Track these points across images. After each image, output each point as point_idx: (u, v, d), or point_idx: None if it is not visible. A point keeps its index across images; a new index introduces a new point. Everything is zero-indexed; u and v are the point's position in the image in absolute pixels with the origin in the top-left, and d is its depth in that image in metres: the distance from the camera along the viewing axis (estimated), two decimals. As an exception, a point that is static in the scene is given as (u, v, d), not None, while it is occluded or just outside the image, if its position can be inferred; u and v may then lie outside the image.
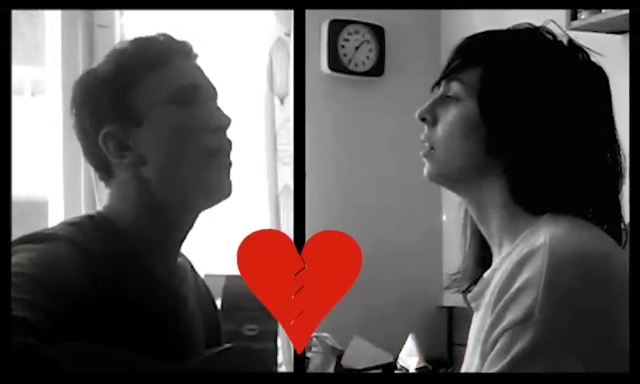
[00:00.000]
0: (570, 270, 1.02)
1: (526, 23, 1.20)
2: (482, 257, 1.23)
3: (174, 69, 1.29)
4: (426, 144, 1.20)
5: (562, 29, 1.20)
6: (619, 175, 1.16)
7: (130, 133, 1.26)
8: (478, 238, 1.24)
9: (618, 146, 1.16)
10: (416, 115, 1.21)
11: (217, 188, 1.28)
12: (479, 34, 1.21)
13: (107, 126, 1.26)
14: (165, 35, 1.32)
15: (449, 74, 1.19)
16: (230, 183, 1.29)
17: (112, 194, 1.30)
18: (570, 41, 1.19)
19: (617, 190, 1.16)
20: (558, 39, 1.18)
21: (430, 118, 1.20)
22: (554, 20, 1.21)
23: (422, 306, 3.39)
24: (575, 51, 1.18)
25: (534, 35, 1.19)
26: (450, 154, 1.17)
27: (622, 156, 1.16)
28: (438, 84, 1.21)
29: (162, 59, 1.28)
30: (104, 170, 1.30)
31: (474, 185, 1.17)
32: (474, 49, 1.19)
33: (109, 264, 1.20)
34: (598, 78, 1.18)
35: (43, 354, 0.98)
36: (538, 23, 1.21)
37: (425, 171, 1.21)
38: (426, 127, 1.20)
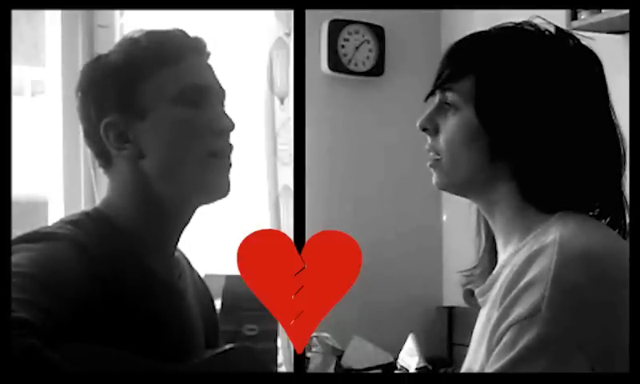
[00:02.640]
0: (577, 267, 1.02)
1: (509, 22, 1.19)
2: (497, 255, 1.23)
3: (186, 67, 1.28)
4: (432, 154, 1.20)
5: (544, 19, 1.19)
6: (620, 160, 1.15)
7: (132, 125, 1.26)
8: (493, 237, 1.24)
9: (617, 129, 1.16)
10: (417, 126, 1.20)
11: (215, 188, 1.28)
12: (465, 39, 1.20)
13: (110, 115, 1.26)
14: (180, 31, 1.31)
15: (441, 84, 1.18)
16: (228, 183, 1.29)
17: (110, 185, 1.30)
18: (558, 29, 1.18)
19: (619, 177, 1.15)
20: (543, 30, 1.17)
21: (430, 127, 1.19)
22: (539, 15, 1.20)
23: (422, 306, 3.38)
24: (564, 38, 1.18)
25: (519, 32, 1.18)
26: (455, 162, 1.17)
27: (621, 140, 1.16)
28: (432, 93, 1.21)
29: (174, 56, 1.27)
30: (103, 158, 1.30)
31: (483, 189, 1.17)
32: (463, 56, 1.18)
33: (108, 262, 1.20)
34: (591, 61, 1.17)
35: (44, 355, 0.98)
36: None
37: (433, 181, 1.21)
38: (428, 137, 1.20)
